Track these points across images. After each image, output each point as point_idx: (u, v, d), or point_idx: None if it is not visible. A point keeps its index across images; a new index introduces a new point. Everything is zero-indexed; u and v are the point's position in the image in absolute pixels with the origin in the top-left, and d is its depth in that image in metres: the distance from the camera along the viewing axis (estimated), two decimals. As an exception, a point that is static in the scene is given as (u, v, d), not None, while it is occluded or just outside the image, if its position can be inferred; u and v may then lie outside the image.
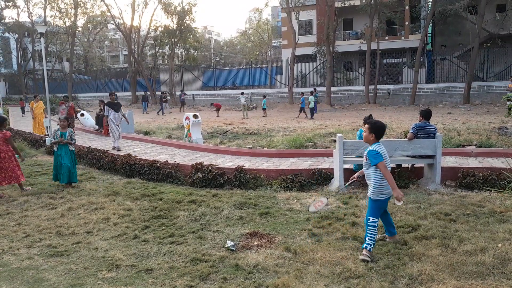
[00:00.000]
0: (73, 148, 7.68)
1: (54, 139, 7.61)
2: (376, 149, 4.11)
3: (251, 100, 32.15)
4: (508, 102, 13.28)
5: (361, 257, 4.06)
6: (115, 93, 11.55)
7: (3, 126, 7.22)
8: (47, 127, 13.37)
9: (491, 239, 4.42)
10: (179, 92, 32.65)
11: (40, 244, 4.81)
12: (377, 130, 4.18)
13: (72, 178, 7.51)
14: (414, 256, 4.08)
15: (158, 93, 37.84)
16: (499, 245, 4.24)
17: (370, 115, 7.56)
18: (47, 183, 7.85)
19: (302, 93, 24.56)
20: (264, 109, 24.37)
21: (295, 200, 6.29)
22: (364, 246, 4.12)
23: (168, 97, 31.39)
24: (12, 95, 44.51)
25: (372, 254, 4.09)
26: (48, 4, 40.43)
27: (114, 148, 10.70)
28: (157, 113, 27.52)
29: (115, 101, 10.95)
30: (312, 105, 21.09)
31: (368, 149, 4.19)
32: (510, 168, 5.75)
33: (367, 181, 4.32)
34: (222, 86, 39.42)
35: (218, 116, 24.36)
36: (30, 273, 4.06)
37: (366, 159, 4.22)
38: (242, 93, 25.94)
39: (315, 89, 25.65)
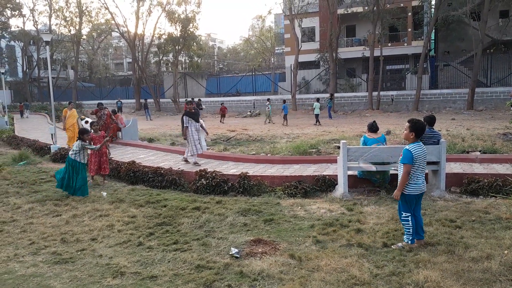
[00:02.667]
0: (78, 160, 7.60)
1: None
2: (413, 151, 4.39)
3: (254, 107, 32.27)
4: (511, 108, 13.23)
5: (399, 244, 4.51)
6: (193, 100, 11.18)
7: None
8: (52, 134, 13.42)
9: (497, 245, 4.39)
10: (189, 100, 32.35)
11: (45, 251, 4.82)
12: (417, 129, 4.46)
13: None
14: (420, 263, 4.05)
15: (163, 100, 38.07)
16: (505, 251, 4.21)
17: (374, 121, 7.57)
18: (52, 190, 7.88)
19: (284, 100, 24.95)
20: (285, 115, 22.65)
21: (299, 206, 6.28)
22: (404, 240, 4.53)
23: (203, 107, 28.87)
24: (17, 102, 44.82)
25: (412, 246, 4.44)
26: (53, 12, 40.91)
27: (194, 163, 9.34)
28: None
29: (194, 110, 9.73)
30: (317, 111, 21.18)
31: (407, 147, 4.46)
32: (516, 174, 5.72)
33: (399, 177, 4.56)
34: (226, 93, 39.55)
35: (222, 122, 24.18)
36: (35, 280, 4.06)
37: (401, 155, 4.51)
38: (268, 99, 25.88)
39: (332, 94, 25.78)
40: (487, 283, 3.59)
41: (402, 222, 4.57)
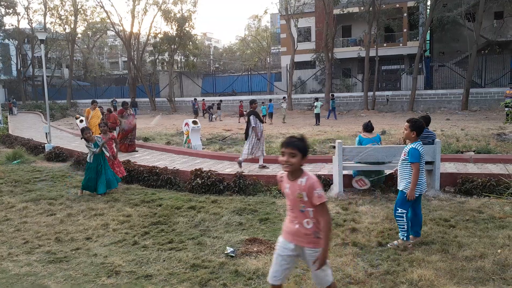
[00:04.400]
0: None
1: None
2: (419, 149, 4.43)
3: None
4: (506, 109, 13.34)
5: (394, 242, 4.53)
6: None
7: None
8: (46, 133, 13.33)
9: (490, 244, 4.42)
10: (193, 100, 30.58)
11: (39, 250, 4.80)
12: (418, 128, 4.47)
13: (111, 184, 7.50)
14: (414, 262, 4.08)
15: (158, 99, 37.97)
16: (499, 250, 4.24)
17: (369, 121, 7.60)
18: (46, 189, 7.84)
19: (270, 100, 25.10)
20: (270, 113, 23.15)
21: (294, 206, 6.28)
22: (400, 237, 4.54)
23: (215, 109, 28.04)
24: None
25: (407, 243, 4.47)
26: (48, 11, 40.65)
27: (240, 164, 8.85)
28: (210, 120, 26.04)
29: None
30: (317, 110, 21.27)
31: (411, 146, 4.46)
32: (509, 174, 5.76)
33: (400, 176, 4.61)
34: (222, 93, 39.52)
35: (238, 122, 23.44)
36: (29, 279, 4.04)
37: (404, 155, 4.49)
38: (284, 98, 25.78)
39: (332, 95, 25.76)
40: (480, 282, 3.62)
41: (397, 218, 4.58)
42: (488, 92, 26.45)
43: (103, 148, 7.51)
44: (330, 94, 26.42)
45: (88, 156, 7.49)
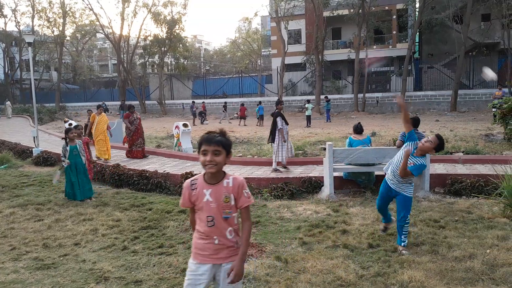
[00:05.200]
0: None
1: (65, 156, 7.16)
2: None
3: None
4: (493, 110, 13.52)
5: (403, 252, 4.34)
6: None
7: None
8: (34, 137, 13.15)
9: (479, 245, 4.46)
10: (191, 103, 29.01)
11: (26, 257, 4.71)
12: (439, 148, 4.41)
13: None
14: (405, 263, 4.09)
15: (148, 102, 37.73)
16: (488, 251, 4.28)
17: (359, 123, 7.64)
18: (33, 194, 7.72)
19: (260, 102, 25.05)
20: (261, 116, 22.89)
21: (285, 208, 6.28)
22: (401, 244, 4.42)
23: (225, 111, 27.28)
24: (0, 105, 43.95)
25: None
26: (36, 13, 40.20)
27: (284, 167, 8.67)
28: (219, 122, 25.19)
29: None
30: (309, 112, 21.32)
31: (422, 162, 4.32)
32: (497, 174, 5.82)
33: (403, 181, 4.40)
34: (212, 95, 39.45)
35: (244, 125, 22.61)
36: (15, 287, 3.96)
37: (411, 164, 4.26)
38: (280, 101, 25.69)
39: (326, 97, 25.72)
40: (470, 282, 3.64)
41: (405, 225, 4.40)
42: (476, 94, 26.80)
43: (81, 156, 7.27)
44: (325, 96, 26.46)
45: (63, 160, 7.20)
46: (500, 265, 3.93)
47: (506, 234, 4.70)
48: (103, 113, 11.45)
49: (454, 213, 5.66)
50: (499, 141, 11.07)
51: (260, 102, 24.48)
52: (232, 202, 2.44)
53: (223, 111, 26.87)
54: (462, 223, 5.22)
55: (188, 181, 2.52)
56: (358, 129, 7.42)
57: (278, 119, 8.56)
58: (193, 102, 29.01)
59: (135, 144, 11.03)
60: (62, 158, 7.21)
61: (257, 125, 22.25)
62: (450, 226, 5.11)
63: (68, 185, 7.18)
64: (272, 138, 8.75)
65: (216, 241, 2.45)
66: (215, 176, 2.44)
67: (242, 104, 24.81)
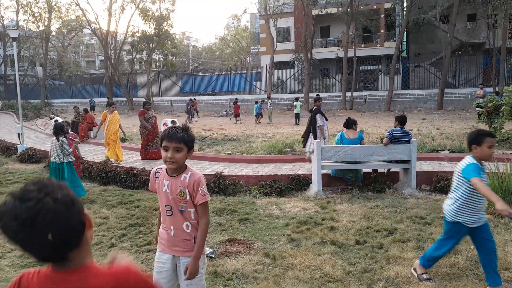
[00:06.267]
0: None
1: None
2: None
3: (230, 106, 32.12)
4: (477, 109, 13.76)
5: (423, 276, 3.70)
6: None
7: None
8: (19, 133, 12.94)
9: (464, 241, 4.53)
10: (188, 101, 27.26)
11: (11, 254, 4.64)
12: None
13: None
14: (391, 259, 4.14)
15: (136, 99, 37.40)
16: (472, 247, 4.35)
17: (349, 117, 7.73)
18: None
19: (262, 100, 24.91)
20: (259, 114, 22.82)
21: (274, 205, 6.30)
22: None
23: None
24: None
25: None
26: (21, 8, 39.43)
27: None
28: (189, 121, 23.99)
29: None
30: (297, 110, 21.40)
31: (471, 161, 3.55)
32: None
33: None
34: (201, 92, 39.28)
35: (240, 123, 22.50)
36: (0, 285, 3.90)
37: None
38: (269, 98, 25.44)
39: (317, 95, 25.68)
40: (454, 278, 3.71)
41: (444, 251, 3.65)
42: (462, 92, 27.21)
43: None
44: (316, 94, 26.48)
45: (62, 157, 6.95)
46: (484, 260, 4.01)
47: (489, 230, 4.79)
48: (115, 111, 10.31)
49: (439, 210, 5.73)
50: (484, 140, 11.26)
51: (256, 102, 24.32)
52: (187, 197, 2.47)
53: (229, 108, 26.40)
54: (447, 220, 5.30)
55: (154, 169, 2.63)
56: (349, 124, 7.49)
57: (318, 116, 8.47)
58: (190, 99, 27.42)
59: (150, 145, 10.28)
60: (70, 150, 6.81)
61: (255, 123, 22.28)
62: (436, 223, 5.19)
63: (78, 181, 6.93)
64: (307, 135, 8.63)
65: (172, 232, 2.52)
66: (176, 170, 2.49)
67: (236, 102, 24.68)
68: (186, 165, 2.52)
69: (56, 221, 1.12)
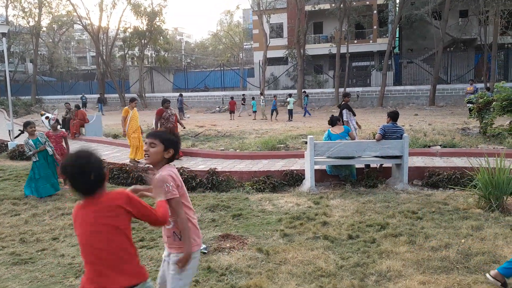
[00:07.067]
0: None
1: (30, 150, 6.96)
2: None
3: (223, 102, 32.04)
4: (468, 105, 13.87)
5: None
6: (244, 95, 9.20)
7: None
8: (9, 130, 12.80)
9: (455, 235, 4.59)
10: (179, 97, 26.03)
11: (2, 252, 4.60)
12: None
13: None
14: (383, 253, 4.18)
15: (128, 95, 37.13)
16: (462, 240, 4.41)
17: (332, 115, 7.77)
18: (9, 189, 7.52)
19: (275, 96, 24.60)
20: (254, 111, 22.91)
21: (267, 201, 6.31)
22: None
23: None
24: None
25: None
26: (10, 3, 38.88)
27: None
28: (239, 115, 24.38)
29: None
30: (290, 106, 21.39)
31: None
32: (472, 167, 5.99)
33: None
34: (194, 88, 39.10)
35: (232, 119, 22.35)
36: (-7, 283, 3.88)
37: None
38: (261, 94, 25.14)
39: (305, 91, 25.55)
40: (445, 271, 3.75)
41: None
42: (453, 88, 27.42)
43: (47, 147, 7.12)
44: (303, 91, 26.43)
45: (29, 154, 7.03)
46: (474, 254, 4.06)
47: (480, 225, 4.85)
48: (135, 109, 9.87)
49: (431, 204, 5.81)
50: (475, 135, 11.37)
51: (253, 98, 24.23)
52: None
53: (242, 104, 25.87)
54: (438, 214, 5.36)
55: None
56: (333, 122, 7.53)
57: (344, 112, 8.50)
58: (181, 94, 26.86)
59: None
60: (30, 154, 6.96)
61: (253, 119, 22.24)
62: (427, 217, 5.24)
63: (31, 182, 6.93)
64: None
65: (162, 228, 2.68)
66: (154, 166, 2.59)
67: (232, 98, 24.58)
68: (166, 165, 2.57)
69: (95, 168, 2.07)
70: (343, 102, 8.94)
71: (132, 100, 10.09)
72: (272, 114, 21.78)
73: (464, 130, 12.75)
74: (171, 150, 2.56)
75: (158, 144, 2.52)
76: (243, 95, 27.50)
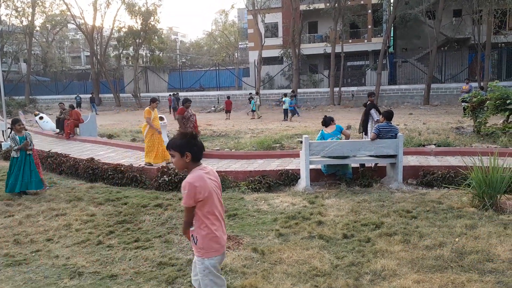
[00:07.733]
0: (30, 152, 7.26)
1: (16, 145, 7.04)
2: None
3: (218, 102, 31.99)
4: (463, 104, 13.95)
5: None
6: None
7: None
8: (2, 131, 12.69)
9: (449, 234, 4.62)
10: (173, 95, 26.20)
11: (-4, 253, 4.57)
12: None
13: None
14: (378, 252, 4.19)
15: (123, 95, 36.96)
16: (457, 239, 4.44)
17: (325, 115, 7.79)
18: (3, 189, 7.47)
19: (285, 94, 24.17)
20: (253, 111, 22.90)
21: (262, 201, 6.32)
22: None
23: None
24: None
25: None
26: (3, 2, 38.58)
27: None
28: (247, 114, 24.62)
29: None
30: (286, 106, 21.33)
31: None
32: (466, 166, 6.03)
33: None
34: (189, 88, 38.99)
35: (228, 119, 22.26)
36: (-14, 284, 3.85)
37: None
38: (257, 93, 24.98)
39: (293, 91, 25.42)
40: (439, 270, 3.78)
41: None
42: (448, 88, 27.55)
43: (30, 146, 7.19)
44: (291, 91, 26.16)
45: (15, 149, 7.08)
46: (468, 252, 4.09)
47: (474, 223, 4.88)
48: (155, 109, 9.21)
49: (425, 203, 5.84)
50: (469, 134, 11.44)
51: (251, 97, 24.14)
52: None
53: (249, 103, 25.44)
54: (433, 213, 5.39)
55: None
56: (326, 122, 7.55)
57: (373, 111, 8.55)
58: (175, 94, 26.58)
59: None
60: (16, 148, 7.06)
61: (251, 118, 22.21)
62: (422, 216, 5.26)
63: (12, 177, 7.02)
64: (364, 129, 8.70)
65: None
66: (187, 172, 2.76)
67: (228, 97, 24.50)
68: (198, 166, 2.74)
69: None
70: (368, 102, 8.83)
71: (153, 100, 9.26)
72: (288, 115, 20.96)
73: (458, 129, 12.82)
74: (188, 154, 2.67)
75: (175, 153, 2.68)
76: (250, 93, 27.23)
